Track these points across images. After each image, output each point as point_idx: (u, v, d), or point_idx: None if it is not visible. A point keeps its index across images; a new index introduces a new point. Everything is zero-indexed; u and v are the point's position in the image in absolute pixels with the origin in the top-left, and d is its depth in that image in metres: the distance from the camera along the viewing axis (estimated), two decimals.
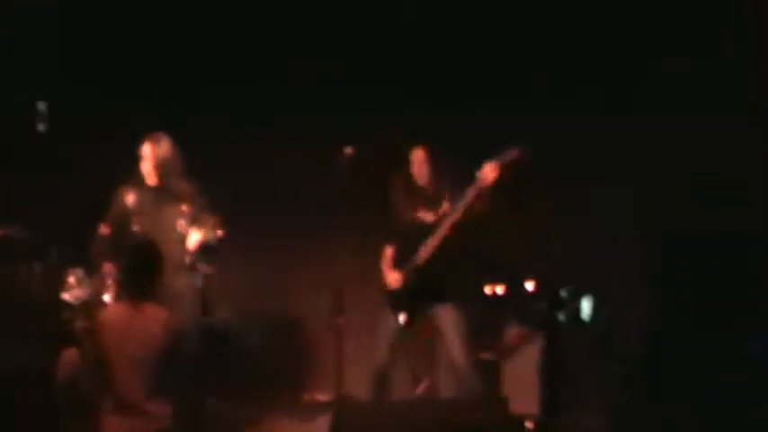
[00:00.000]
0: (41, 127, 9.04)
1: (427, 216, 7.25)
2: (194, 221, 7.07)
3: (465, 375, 7.09)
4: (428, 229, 7.16)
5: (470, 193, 6.97)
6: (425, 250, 7.08)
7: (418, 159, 7.34)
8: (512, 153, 6.91)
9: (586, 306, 7.10)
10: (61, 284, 6.95)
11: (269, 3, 8.72)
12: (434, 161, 7.31)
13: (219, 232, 7.18)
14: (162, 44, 8.91)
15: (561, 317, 7.14)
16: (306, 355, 9.00)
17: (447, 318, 7.16)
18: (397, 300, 7.21)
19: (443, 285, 7.15)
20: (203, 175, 7.43)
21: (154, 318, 5.72)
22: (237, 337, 8.85)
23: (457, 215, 6.99)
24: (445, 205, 7.15)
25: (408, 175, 7.36)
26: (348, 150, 7.16)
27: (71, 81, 8.88)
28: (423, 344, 7.64)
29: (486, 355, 7.78)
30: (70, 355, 6.28)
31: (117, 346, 5.60)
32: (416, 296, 7.16)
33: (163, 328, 5.68)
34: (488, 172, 6.91)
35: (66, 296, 6.88)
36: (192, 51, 8.91)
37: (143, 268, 5.85)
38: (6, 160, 8.65)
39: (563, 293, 7.15)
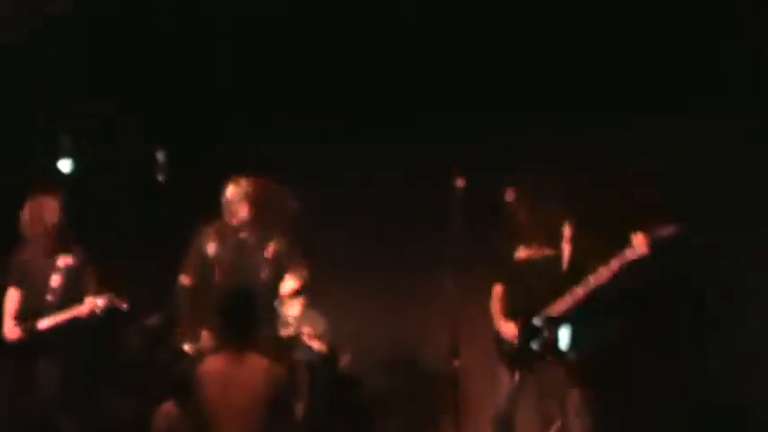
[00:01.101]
0: (160, 177, 9.07)
1: (543, 252, 6.77)
2: (282, 268, 6.84)
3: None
4: (542, 269, 6.73)
5: (615, 263, 6.41)
6: (560, 306, 6.56)
7: (528, 192, 6.87)
8: (667, 228, 6.38)
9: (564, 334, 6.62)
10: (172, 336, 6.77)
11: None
12: (550, 194, 6.83)
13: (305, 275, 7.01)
14: (250, 87, 8.78)
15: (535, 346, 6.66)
16: (424, 398, 8.67)
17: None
18: (514, 357, 6.77)
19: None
20: (314, 219, 7.32)
21: (256, 367, 5.47)
22: (358, 380, 8.79)
23: (599, 281, 6.46)
24: (566, 246, 6.65)
25: (523, 209, 6.88)
26: (460, 182, 6.72)
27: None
28: (552, 383, 7.14)
29: None
30: (168, 407, 6.02)
31: (219, 398, 5.38)
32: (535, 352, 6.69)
33: (265, 377, 5.42)
34: (639, 245, 6.36)
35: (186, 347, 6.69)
36: (288, 97, 8.75)
37: (241, 316, 5.61)
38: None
39: (536, 322, 6.66)
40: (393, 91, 8.49)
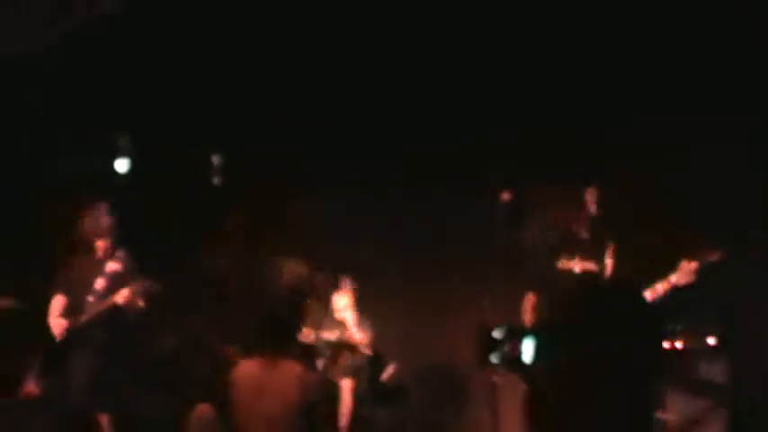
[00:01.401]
0: (216, 180, 9.13)
1: (584, 266, 6.68)
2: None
3: None
4: (580, 281, 6.60)
5: (661, 287, 6.33)
6: None
7: (573, 205, 6.79)
8: (710, 253, 6.29)
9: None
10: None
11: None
12: (597, 207, 6.74)
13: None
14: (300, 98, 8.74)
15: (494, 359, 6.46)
16: (464, 412, 8.63)
17: None
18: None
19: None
20: (360, 232, 7.16)
21: (289, 373, 5.47)
22: (404, 393, 8.73)
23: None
24: (608, 262, 6.56)
25: (563, 219, 6.80)
26: (505, 197, 6.67)
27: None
28: None
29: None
30: (203, 409, 6.05)
31: (251, 402, 5.39)
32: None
33: (298, 383, 5.42)
34: (687, 272, 6.28)
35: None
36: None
37: (281, 323, 5.59)
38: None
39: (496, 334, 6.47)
40: (438, 105, 8.45)
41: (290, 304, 5.83)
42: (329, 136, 8.70)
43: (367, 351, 8.43)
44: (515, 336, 6.36)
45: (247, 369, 5.61)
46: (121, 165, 9.61)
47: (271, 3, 8.13)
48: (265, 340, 5.56)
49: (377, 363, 8.56)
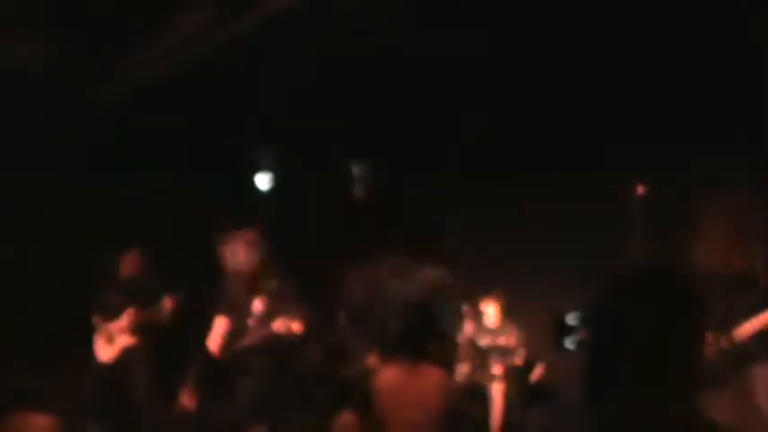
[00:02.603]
0: (357, 191, 9.20)
1: (732, 265, 6.42)
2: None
3: None
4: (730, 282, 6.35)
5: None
6: (751, 327, 6.19)
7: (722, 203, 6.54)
8: None
9: None
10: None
11: None
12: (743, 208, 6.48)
13: None
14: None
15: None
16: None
17: (762, 372, 6.27)
18: None
19: None
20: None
21: (431, 378, 5.37)
22: (551, 392, 8.67)
23: None
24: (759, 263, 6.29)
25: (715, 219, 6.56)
26: (641, 190, 6.50)
27: None
28: None
29: None
30: (347, 419, 6.05)
31: (394, 409, 5.30)
32: None
33: (440, 388, 5.32)
34: None
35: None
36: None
37: (422, 327, 5.53)
38: None
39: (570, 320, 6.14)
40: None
41: (429, 309, 5.75)
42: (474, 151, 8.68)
43: (518, 358, 8.40)
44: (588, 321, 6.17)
45: (389, 376, 5.51)
46: (263, 181, 9.77)
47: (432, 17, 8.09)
48: (406, 346, 5.49)
49: (525, 365, 8.51)
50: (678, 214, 6.82)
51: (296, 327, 6.93)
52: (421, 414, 5.24)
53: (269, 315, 6.98)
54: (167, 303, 8.81)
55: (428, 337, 5.59)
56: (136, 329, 8.96)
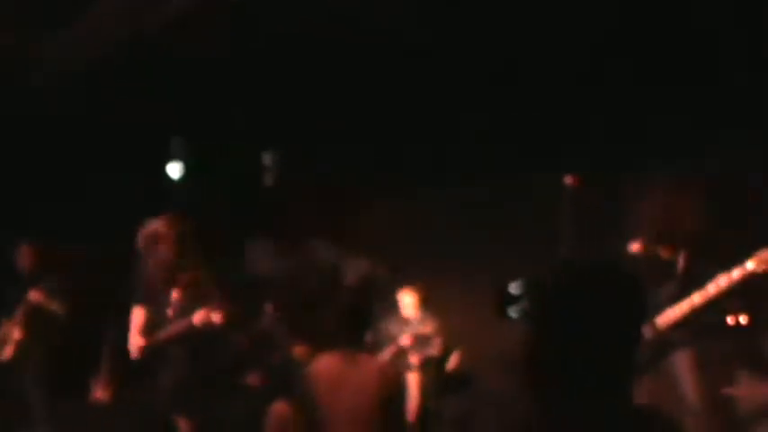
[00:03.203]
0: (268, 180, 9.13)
1: (656, 251, 6.59)
2: None
3: (704, 415, 6.38)
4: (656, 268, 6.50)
5: (737, 273, 6.20)
6: (674, 312, 6.35)
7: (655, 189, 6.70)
8: None
9: None
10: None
11: None
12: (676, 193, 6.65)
13: None
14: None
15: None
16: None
17: (682, 358, 6.46)
18: None
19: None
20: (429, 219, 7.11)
21: (369, 368, 5.38)
22: (467, 380, 8.77)
23: (718, 290, 6.22)
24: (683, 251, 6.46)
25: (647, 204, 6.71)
26: (569, 180, 6.62)
27: None
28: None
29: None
30: (280, 407, 6.02)
31: (331, 398, 5.29)
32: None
33: (379, 378, 5.32)
34: (763, 260, 6.13)
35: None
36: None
37: (357, 316, 5.52)
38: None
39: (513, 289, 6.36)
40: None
41: (365, 299, 5.77)
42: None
43: (435, 348, 8.47)
44: (532, 290, 6.30)
45: (326, 364, 5.49)
46: (175, 169, 9.65)
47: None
48: (344, 335, 5.47)
49: (442, 354, 8.59)
50: (603, 205, 6.99)
51: (216, 317, 6.84)
52: (359, 403, 5.24)
53: (188, 305, 6.89)
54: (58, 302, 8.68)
55: (365, 326, 5.59)
56: (27, 323, 8.83)
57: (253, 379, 7.27)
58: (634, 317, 2.80)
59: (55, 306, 8.63)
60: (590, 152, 7.61)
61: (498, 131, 8.39)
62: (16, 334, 8.78)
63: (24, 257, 8.98)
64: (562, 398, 2.75)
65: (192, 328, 6.77)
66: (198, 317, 6.75)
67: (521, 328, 8.24)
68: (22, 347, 8.79)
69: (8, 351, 8.80)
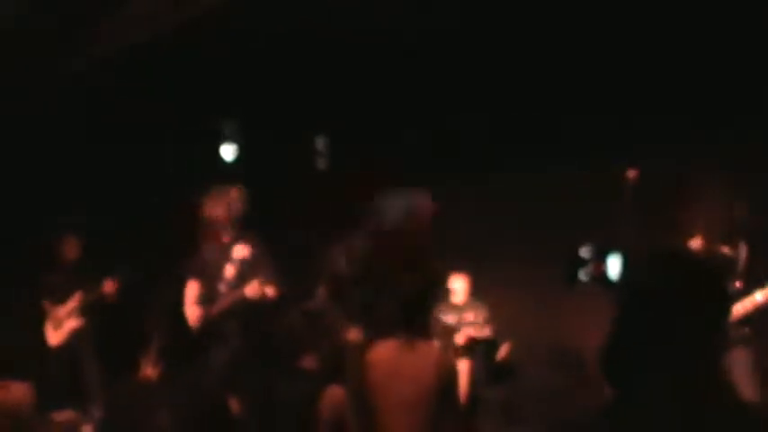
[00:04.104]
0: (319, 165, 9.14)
1: (713, 248, 6.53)
2: None
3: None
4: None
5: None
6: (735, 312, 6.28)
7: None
8: None
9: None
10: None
11: None
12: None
13: None
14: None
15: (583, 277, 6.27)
16: (581, 394, 8.46)
17: (741, 356, 6.41)
18: None
19: None
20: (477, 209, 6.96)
21: (426, 355, 5.31)
22: (516, 370, 8.81)
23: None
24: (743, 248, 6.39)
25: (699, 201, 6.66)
26: (630, 173, 6.55)
27: None
28: None
29: None
30: (335, 392, 6.00)
31: (388, 386, 5.22)
32: None
33: (435, 365, 5.26)
34: None
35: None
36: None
37: (418, 302, 5.47)
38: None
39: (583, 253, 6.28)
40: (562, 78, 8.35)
41: (425, 286, 5.71)
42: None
43: (484, 333, 8.44)
44: (602, 254, 6.24)
45: (384, 352, 5.40)
46: (228, 151, 9.67)
47: None
48: (402, 322, 5.40)
49: (491, 343, 8.56)
50: (665, 200, 6.92)
51: (269, 290, 6.86)
52: (415, 389, 5.17)
53: (241, 280, 6.91)
54: (108, 284, 8.91)
55: (426, 313, 5.55)
56: (82, 311, 9.12)
57: (308, 362, 7.26)
58: (722, 306, 2.83)
59: (111, 295, 8.83)
60: (649, 148, 7.55)
61: (553, 123, 8.36)
62: (72, 322, 8.97)
63: (69, 248, 9.18)
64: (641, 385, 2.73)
65: (244, 300, 6.80)
66: (250, 289, 6.77)
67: (570, 322, 8.27)
68: (77, 334, 9.06)
69: (60, 336, 9.01)
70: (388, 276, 6.11)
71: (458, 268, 8.62)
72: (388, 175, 7.38)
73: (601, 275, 6.36)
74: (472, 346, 8.46)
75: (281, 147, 9.64)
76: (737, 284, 6.34)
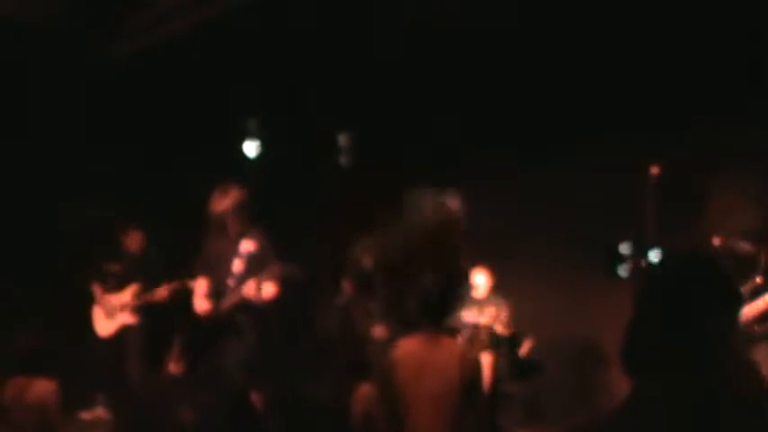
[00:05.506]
0: (342, 161, 9.18)
1: (738, 246, 6.55)
2: None
3: None
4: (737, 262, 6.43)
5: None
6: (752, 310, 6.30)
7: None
8: None
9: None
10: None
11: None
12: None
13: None
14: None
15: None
16: (601, 391, 8.50)
17: (764, 351, 6.43)
18: None
19: None
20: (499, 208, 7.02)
21: (451, 351, 5.36)
22: (539, 367, 8.82)
23: None
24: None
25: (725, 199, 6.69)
26: (654, 171, 6.58)
27: None
28: None
29: None
30: (366, 390, 6.04)
31: (413, 382, 5.27)
32: None
33: (460, 361, 5.30)
34: None
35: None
36: None
37: (443, 299, 5.52)
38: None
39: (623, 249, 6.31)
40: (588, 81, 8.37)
41: (450, 283, 5.76)
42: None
43: (505, 329, 8.48)
44: (642, 250, 6.27)
45: (409, 348, 5.44)
46: (251, 147, 9.72)
47: None
48: (428, 318, 5.46)
49: (514, 339, 8.60)
50: (688, 195, 6.96)
51: (267, 290, 6.88)
52: (440, 385, 5.22)
53: (248, 274, 6.96)
54: (166, 288, 8.99)
55: (451, 308, 5.60)
56: (137, 309, 9.19)
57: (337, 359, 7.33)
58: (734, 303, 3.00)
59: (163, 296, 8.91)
60: (677, 145, 7.58)
61: (579, 119, 8.38)
62: (126, 317, 9.11)
63: (133, 241, 9.25)
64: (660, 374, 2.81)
65: (243, 299, 6.85)
66: (247, 288, 6.82)
67: (595, 320, 8.30)
68: (128, 330, 9.20)
69: (111, 328, 9.08)
70: (413, 273, 6.16)
71: (479, 263, 8.64)
72: (416, 173, 7.42)
73: (640, 271, 6.40)
74: (494, 342, 8.49)
75: (305, 143, 9.69)
76: (759, 280, 6.35)
